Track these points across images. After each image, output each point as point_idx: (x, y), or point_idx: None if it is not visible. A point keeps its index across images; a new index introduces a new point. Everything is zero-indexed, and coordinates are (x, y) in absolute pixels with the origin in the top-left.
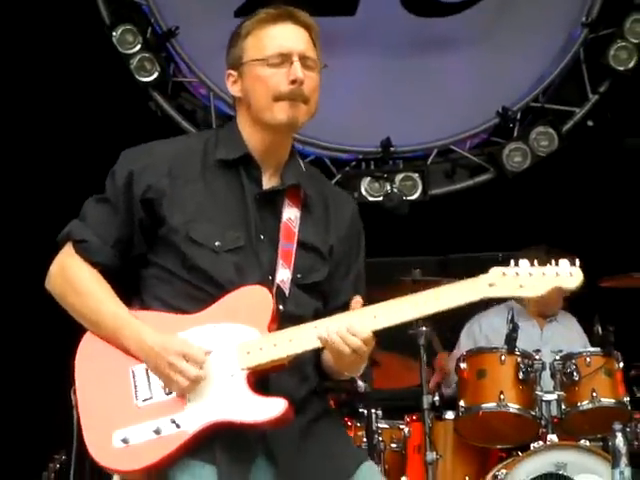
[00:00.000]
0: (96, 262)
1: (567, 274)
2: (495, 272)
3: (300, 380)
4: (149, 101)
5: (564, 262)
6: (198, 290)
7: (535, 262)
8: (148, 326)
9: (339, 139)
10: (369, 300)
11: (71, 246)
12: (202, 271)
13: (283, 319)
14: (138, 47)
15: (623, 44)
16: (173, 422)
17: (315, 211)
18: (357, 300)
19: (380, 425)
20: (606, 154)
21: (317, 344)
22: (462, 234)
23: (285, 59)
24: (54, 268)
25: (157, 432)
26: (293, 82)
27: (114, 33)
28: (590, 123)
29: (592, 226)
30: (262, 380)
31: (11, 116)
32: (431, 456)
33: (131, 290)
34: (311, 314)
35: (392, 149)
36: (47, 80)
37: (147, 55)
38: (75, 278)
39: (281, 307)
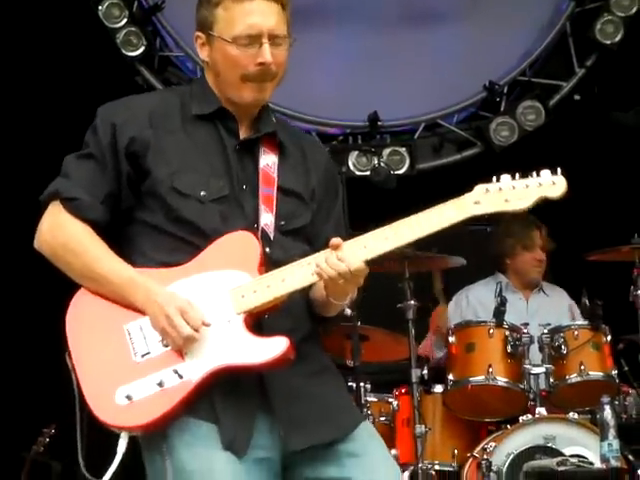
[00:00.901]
0: (87, 219)
1: (550, 183)
2: (478, 189)
3: (293, 323)
4: (136, 75)
5: (546, 172)
6: (184, 242)
7: (517, 175)
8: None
9: (326, 113)
10: None
11: (59, 204)
12: (188, 222)
13: (270, 263)
14: (124, 21)
15: (610, 18)
16: (175, 372)
17: (292, 157)
18: (336, 238)
19: (369, 398)
20: (593, 128)
21: (311, 280)
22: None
23: (254, 40)
24: (44, 227)
25: (160, 385)
26: (261, 64)
27: (100, 7)
28: (577, 97)
29: (579, 200)
30: (257, 325)
31: None
32: (420, 429)
33: (117, 249)
34: (299, 257)
35: (379, 123)
36: (32, 54)
37: (133, 29)
38: (69, 236)
39: (267, 250)
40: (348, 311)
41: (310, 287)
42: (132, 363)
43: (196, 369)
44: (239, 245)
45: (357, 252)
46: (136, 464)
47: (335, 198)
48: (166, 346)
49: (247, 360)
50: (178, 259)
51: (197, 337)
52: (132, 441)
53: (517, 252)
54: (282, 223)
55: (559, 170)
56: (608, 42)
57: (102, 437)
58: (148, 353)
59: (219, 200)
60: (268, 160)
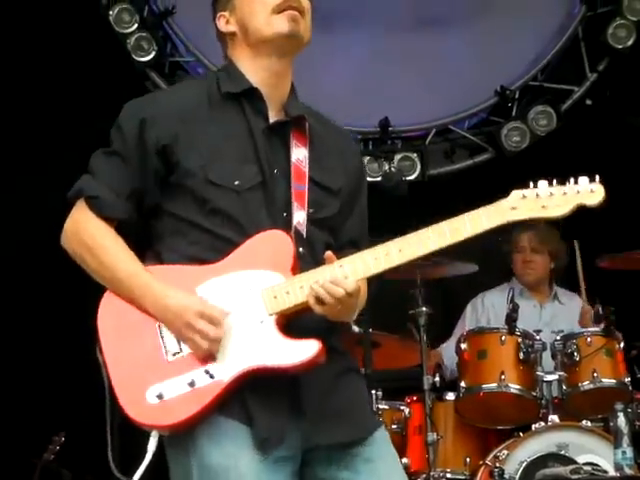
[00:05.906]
0: (111, 217)
1: (588, 191)
2: (515, 195)
3: (325, 323)
4: (146, 81)
5: (584, 179)
6: (216, 237)
7: (554, 182)
8: (164, 283)
9: (337, 118)
10: None
11: (83, 202)
12: (223, 213)
13: (302, 262)
14: (135, 26)
15: (622, 22)
16: (207, 373)
17: (321, 146)
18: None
19: (380, 406)
20: (605, 133)
21: None
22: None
23: None
24: (68, 226)
25: (191, 384)
26: None
27: (110, 12)
28: (589, 102)
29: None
30: (289, 324)
31: (7, 99)
32: (432, 437)
33: (144, 243)
34: (323, 249)
35: (390, 129)
36: (42, 59)
37: (144, 34)
38: (89, 235)
39: (301, 249)
40: (355, 328)
41: None
42: (163, 362)
43: (227, 369)
44: (273, 245)
45: (358, 268)
46: (163, 463)
47: (359, 193)
48: None
49: (279, 362)
50: (211, 255)
51: (222, 334)
52: (158, 439)
53: (512, 256)
54: (311, 211)
55: (597, 177)
56: (620, 46)
57: (131, 436)
58: (179, 352)
59: (253, 188)
60: (299, 154)
